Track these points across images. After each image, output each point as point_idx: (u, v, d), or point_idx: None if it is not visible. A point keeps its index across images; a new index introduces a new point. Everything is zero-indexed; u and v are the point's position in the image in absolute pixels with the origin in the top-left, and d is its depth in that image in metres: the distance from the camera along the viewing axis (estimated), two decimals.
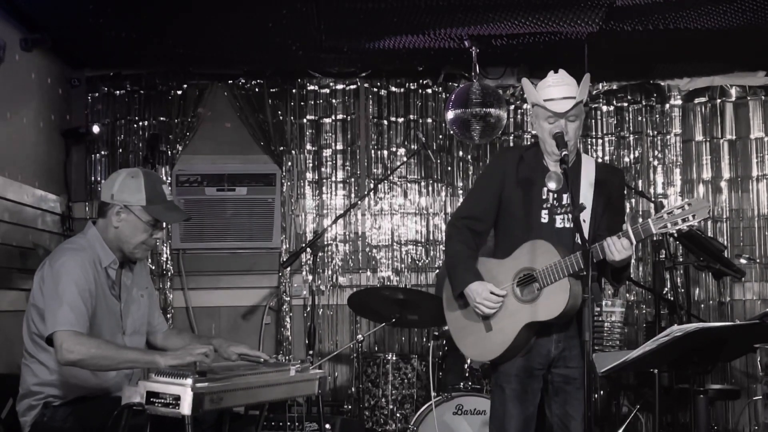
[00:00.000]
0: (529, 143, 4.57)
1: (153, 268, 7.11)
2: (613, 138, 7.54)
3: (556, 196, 4.32)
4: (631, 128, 7.55)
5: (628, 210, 7.45)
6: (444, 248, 4.53)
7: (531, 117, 4.39)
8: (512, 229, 4.38)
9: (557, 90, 4.23)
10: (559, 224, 4.31)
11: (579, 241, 4.15)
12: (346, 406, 6.73)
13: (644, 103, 7.56)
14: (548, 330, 4.26)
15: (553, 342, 4.29)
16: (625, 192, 5.03)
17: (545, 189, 4.31)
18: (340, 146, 7.48)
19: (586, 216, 4.21)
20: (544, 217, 4.32)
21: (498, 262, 4.40)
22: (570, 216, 4.27)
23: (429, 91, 7.52)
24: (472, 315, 4.40)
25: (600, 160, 4.17)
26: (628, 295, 7.28)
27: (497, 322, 4.32)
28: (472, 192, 4.78)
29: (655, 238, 6.07)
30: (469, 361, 6.01)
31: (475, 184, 4.78)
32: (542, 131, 4.29)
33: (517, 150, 4.66)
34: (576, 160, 4.40)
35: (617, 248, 4.02)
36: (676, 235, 4.06)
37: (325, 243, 7.36)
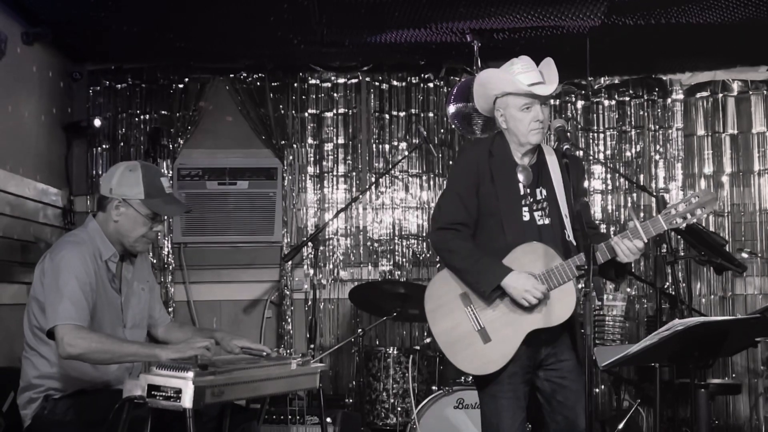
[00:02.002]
0: (490, 136, 4.33)
1: (154, 261, 7.12)
2: (615, 132, 7.53)
3: (529, 191, 4.16)
4: (632, 123, 7.55)
5: (629, 204, 7.46)
6: (444, 255, 4.26)
7: (497, 111, 4.19)
8: (493, 231, 4.16)
9: (530, 76, 4.10)
10: (539, 221, 4.13)
11: (570, 238, 4.07)
12: (347, 400, 6.74)
13: (646, 98, 7.56)
14: (539, 332, 4.08)
15: (543, 343, 4.12)
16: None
17: (520, 185, 4.14)
18: (341, 140, 7.47)
19: (565, 210, 4.10)
20: (525, 214, 4.13)
21: None
22: (546, 212, 4.14)
23: (430, 85, 7.52)
24: (465, 326, 4.17)
25: (553, 146, 4.03)
26: (629, 289, 7.28)
27: (496, 332, 4.11)
28: (450, 196, 4.32)
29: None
30: None
31: (450, 187, 4.36)
32: (516, 122, 4.12)
33: (484, 144, 4.34)
34: (539, 152, 4.23)
35: (632, 250, 3.92)
36: (684, 227, 3.99)
37: (327, 237, 7.36)
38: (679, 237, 6.89)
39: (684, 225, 3.93)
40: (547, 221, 4.14)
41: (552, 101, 4.28)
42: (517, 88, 4.10)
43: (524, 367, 4.14)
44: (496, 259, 4.11)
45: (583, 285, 3.66)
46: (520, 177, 4.14)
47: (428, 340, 4.87)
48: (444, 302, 4.24)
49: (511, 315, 4.09)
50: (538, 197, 4.16)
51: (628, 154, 7.54)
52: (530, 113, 4.09)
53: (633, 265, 4.89)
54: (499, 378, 4.12)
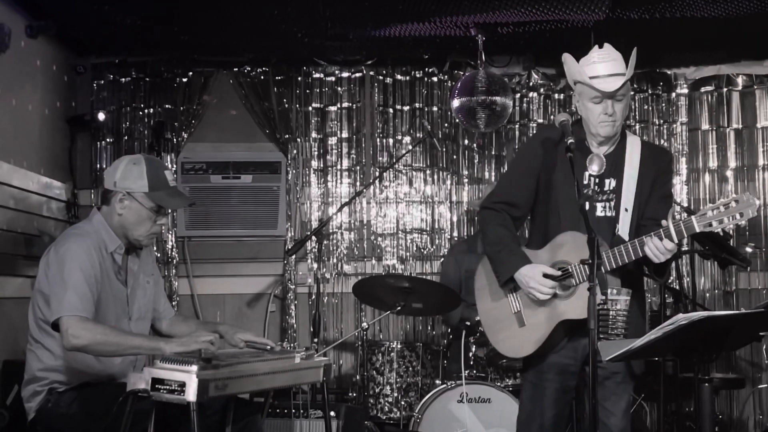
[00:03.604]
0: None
1: (158, 255, 7.11)
2: None
3: (597, 181, 4.06)
4: (637, 117, 7.53)
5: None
6: (481, 234, 4.34)
7: (575, 96, 4.16)
8: (549, 217, 4.12)
9: (604, 66, 4.00)
10: (599, 212, 4.06)
11: (619, 232, 3.99)
12: (350, 394, 6.74)
13: (650, 92, 7.54)
14: (585, 326, 3.89)
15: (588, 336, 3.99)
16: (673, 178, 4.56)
17: (587, 173, 4.05)
18: (345, 134, 7.47)
19: (628, 204, 4.03)
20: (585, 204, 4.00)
21: (532, 252, 4.13)
22: (612, 204, 4.04)
23: (434, 79, 7.50)
24: (505, 308, 4.18)
25: (647, 140, 3.83)
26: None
27: (531, 317, 4.10)
28: (507, 175, 4.43)
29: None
30: (473, 349, 6.01)
31: (510, 167, 4.41)
32: (587, 112, 4.04)
33: (557, 129, 4.25)
34: (620, 142, 4.15)
35: (660, 251, 3.80)
36: (727, 231, 3.82)
37: (330, 231, 7.36)
38: None
39: (719, 229, 3.79)
40: (610, 213, 4.05)
41: (628, 93, 4.12)
42: (582, 78, 4.04)
43: (569, 358, 4.13)
44: (517, 250, 4.11)
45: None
46: (590, 165, 4.05)
47: (478, 318, 4.84)
48: (490, 281, 4.26)
49: (547, 302, 4.06)
50: (606, 188, 4.09)
51: None
52: (600, 106, 4.02)
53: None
54: (541, 367, 4.14)
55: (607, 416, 4.12)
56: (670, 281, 6.72)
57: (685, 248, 6.52)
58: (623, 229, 4.05)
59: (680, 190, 7.40)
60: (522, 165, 4.27)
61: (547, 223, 4.14)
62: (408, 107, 7.50)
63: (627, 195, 4.08)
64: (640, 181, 4.08)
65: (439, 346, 6.46)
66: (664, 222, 3.84)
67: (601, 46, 4.11)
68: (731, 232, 7.14)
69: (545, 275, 4.01)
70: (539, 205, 4.20)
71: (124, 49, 7.18)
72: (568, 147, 3.87)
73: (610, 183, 4.11)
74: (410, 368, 6.22)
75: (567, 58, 4.14)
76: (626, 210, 4.05)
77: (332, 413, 5.36)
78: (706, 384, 4.03)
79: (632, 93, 7.51)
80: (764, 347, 6.12)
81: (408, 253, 7.45)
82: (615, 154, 4.14)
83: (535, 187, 4.17)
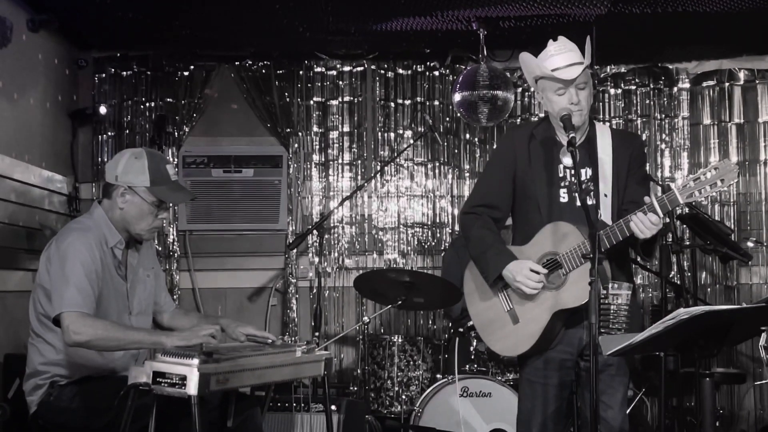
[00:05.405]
0: (537, 120, 4.34)
1: (159, 249, 7.11)
2: (621, 121, 7.51)
3: (573, 172, 4.04)
4: (638, 111, 7.52)
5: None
6: (464, 240, 4.31)
7: (538, 93, 4.18)
8: (530, 213, 4.14)
9: (561, 58, 4.02)
10: (580, 202, 4.01)
11: (602, 217, 4.00)
12: (351, 388, 6.74)
13: (652, 87, 7.53)
14: (579, 316, 3.98)
15: (584, 329, 3.99)
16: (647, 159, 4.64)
17: (561, 166, 4.09)
18: (346, 128, 7.47)
19: (607, 190, 4.04)
20: (563, 196, 4.08)
21: (518, 249, 4.13)
22: (592, 193, 4.03)
23: (436, 73, 7.50)
24: (498, 308, 4.18)
25: (615, 127, 3.85)
26: (634, 278, 7.26)
27: (525, 312, 4.09)
28: (483, 178, 4.45)
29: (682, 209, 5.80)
30: (474, 343, 6.01)
31: (485, 169, 4.45)
32: (552, 105, 4.06)
33: (527, 127, 4.32)
34: (590, 131, 4.17)
35: (646, 225, 3.80)
36: (707, 197, 3.85)
37: (332, 225, 7.36)
38: (684, 226, 6.89)
39: (702, 198, 3.83)
40: (591, 202, 4.00)
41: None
42: (543, 72, 4.06)
43: (566, 353, 4.11)
44: (502, 248, 4.12)
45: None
46: (564, 158, 4.08)
47: (471, 323, 4.86)
48: (480, 284, 4.26)
49: (539, 295, 4.05)
50: (583, 177, 4.09)
51: None
52: (564, 97, 4.03)
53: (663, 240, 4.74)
54: (539, 364, 4.13)
55: (605, 409, 4.07)
56: (671, 275, 6.71)
57: (687, 243, 6.52)
58: (605, 214, 4.06)
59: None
60: (497, 166, 4.28)
61: (530, 220, 4.15)
62: (409, 101, 7.50)
63: (604, 181, 4.09)
64: (615, 167, 4.09)
65: (440, 340, 6.46)
66: (647, 198, 3.85)
67: (555, 39, 4.13)
68: (732, 227, 7.15)
69: (532, 270, 4.02)
70: (519, 203, 4.21)
71: (125, 42, 7.18)
72: (570, 141, 3.85)
73: (586, 172, 4.12)
74: (411, 362, 6.23)
75: (525, 57, 4.16)
76: (605, 195, 4.06)
77: (333, 407, 5.37)
78: (707, 379, 4.03)
79: (634, 87, 7.52)
80: (760, 343, 6.09)
81: (409, 248, 7.45)
82: (586, 144, 4.16)
83: (512, 186, 4.20)
